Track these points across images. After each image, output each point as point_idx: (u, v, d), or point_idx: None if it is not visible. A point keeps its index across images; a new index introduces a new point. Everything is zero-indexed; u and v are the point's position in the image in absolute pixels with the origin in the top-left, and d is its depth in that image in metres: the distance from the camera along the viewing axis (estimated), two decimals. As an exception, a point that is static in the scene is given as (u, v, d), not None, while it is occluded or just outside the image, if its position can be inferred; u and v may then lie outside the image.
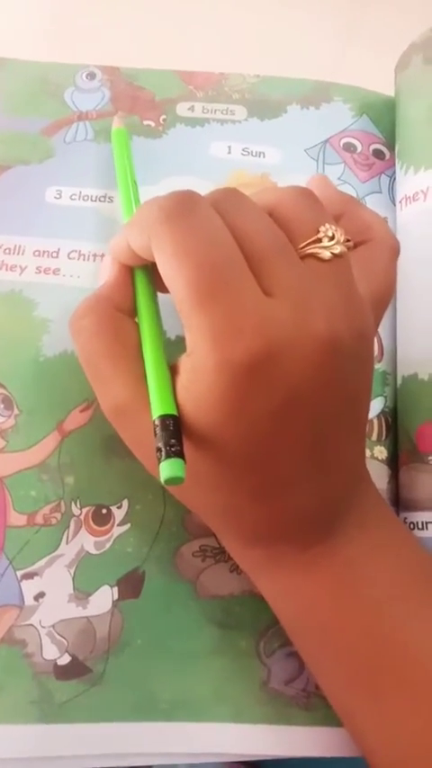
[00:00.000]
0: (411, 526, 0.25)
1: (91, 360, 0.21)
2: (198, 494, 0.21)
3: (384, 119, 0.31)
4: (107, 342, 0.21)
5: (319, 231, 0.20)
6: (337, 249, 0.19)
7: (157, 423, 0.19)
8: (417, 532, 0.25)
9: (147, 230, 0.19)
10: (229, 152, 0.30)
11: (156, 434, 0.18)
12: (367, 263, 0.22)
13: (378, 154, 0.31)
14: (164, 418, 0.19)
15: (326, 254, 0.19)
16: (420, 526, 0.25)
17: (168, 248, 0.18)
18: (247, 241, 0.19)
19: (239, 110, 0.31)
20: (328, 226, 0.20)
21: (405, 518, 0.26)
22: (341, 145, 0.31)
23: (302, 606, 0.21)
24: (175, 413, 0.19)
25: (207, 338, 0.18)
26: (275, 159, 0.30)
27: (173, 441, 0.18)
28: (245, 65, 0.31)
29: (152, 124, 0.30)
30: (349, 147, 0.31)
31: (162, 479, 0.18)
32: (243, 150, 0.30)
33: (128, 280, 0.22)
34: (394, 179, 0.30)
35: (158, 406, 0.19)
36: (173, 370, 0.20)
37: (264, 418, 0.18)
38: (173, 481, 0.18)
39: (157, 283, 0.22)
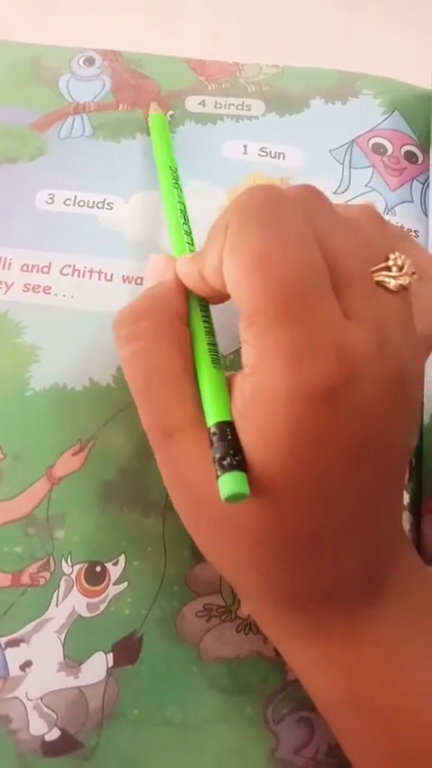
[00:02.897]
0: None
1: (147, 373, 0.19)
2: (237, 547, 0.18)
3: (419, 116, 0.28)
4: (169, 353, 0.19)
5: (389, 258, 0.19)
6: (405, 281, 0.18)
7: (213, 430, 0.17)
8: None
9: (223, 235, 0.17)
10: (245, 152, 0.26)
11: (212, 444, 0.17)
12: (421, 301, 0.20)
13: (410, 156, 0.28)
14: (222, 425, 0.17)
15: (393, 284, 0.18)
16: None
17: (247, 253, 0.17)
18: (334, 257, 0.17)
19: (256, 104, 0.27)
20: (397, 254, 0.19)
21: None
22: (370, 146, 0.27)
23: (345, 680, 0.19)
24: (231, 420, 0.17)
25: (282, 359, 0.16)
26: (297, 161, 0.26)
27: (232, 451, 0.16)
28: (262, 53, 0.28)
29: (158, 119, 0.27)
30: (379, 149, 0.27)
31: (223, 496, 0.16)
32: (261, 150, 0.27)
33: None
34: (428, 186, 0.27)
35: (216, 412, 0.17)
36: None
37: (340, 455, 0.17)
38: (235, 498, 0.16)
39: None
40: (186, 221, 0.23)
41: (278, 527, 0.17)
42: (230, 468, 0.16)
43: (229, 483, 0.16)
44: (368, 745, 0.20)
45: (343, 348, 0.16)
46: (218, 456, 0.17)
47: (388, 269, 0.18)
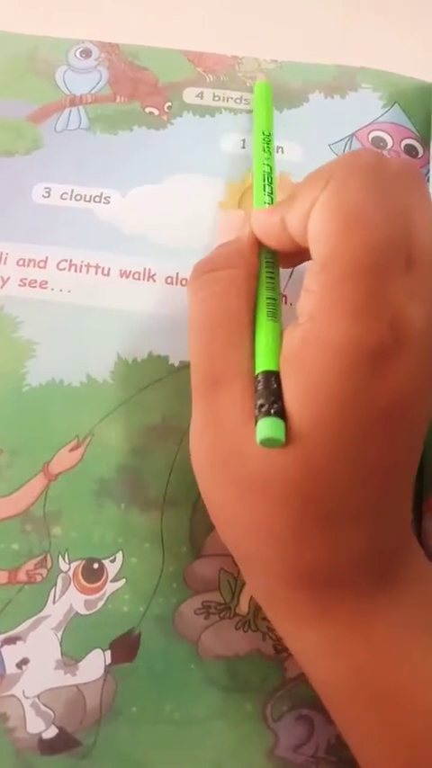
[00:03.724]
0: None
1: (213, 315, 0.19)
2: (260, 508, 0.18)
3: (419, 109, 0.28)
4: (238, 303, 0.19)
5: None
6: None
7: (260, 378, 0.18)
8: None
9: (323, 182, 0.18)
10: (243, 146, 0.26)
11: (257, 390, 0.17)
12: None
13: (410, 150, 0.27)
14: (268, 374, 0.17)
15: None
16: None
17: (346, 205, 0.17)
18: (414, 233, 0.18)
19: (255, 98, 0.27)
20: None
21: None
22: (369, 139, 0.27)
23: (351, 664, 0.19)
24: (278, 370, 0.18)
25: (344, 310, 0.17)
26: (296, 156, 0.26)
27: (273, 398, 0.17)
28: (259, 48, 0.27)
29: (156, 112, 0.26)
30: (379, 143, 0.27)
31: (258, 438, 0.17)
32: (259, 145, 0.26)
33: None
34: (429, 179, 0.27)
35: (264, 361, 0.18)
36: None
37: (375, 419, 0.17)
38: (270, 442, 0.17)
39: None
40: (271, 183, 0.23)
41: (306, 484, 0.17)
42: (269, 414, 0.17)
43: (266, 427, 0.17)
44: (370, 730, 0.19)
45: (399, 318, 0.17)
46: (259, 402, 0.17)
47: None
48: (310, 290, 0.17)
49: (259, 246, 0.21)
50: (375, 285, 0.17)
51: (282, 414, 0.17)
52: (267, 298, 0.19)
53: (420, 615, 0.19)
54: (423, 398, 0.18)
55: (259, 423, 0.17)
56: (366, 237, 0.17)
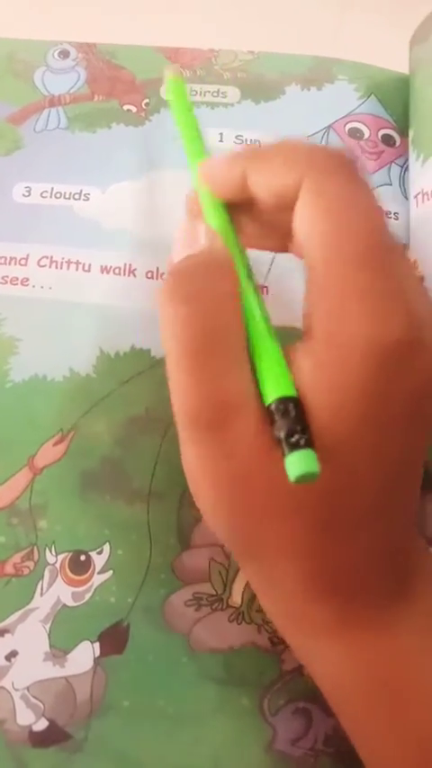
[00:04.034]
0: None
1: (202, 338, 0.16)
2: (285, 529, 0.17)
3: (395, 100, 0.28)
4: (227, 319, 0.17)
5: None
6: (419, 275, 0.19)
7: (276, 406, 0.16)
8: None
9: (296, 174, 0.17)
10: (221, 140, 0.26)
11: (275, 420, 0.15)
12: None
13: (388, 140, 0.28)
14: (285, 401, 0.16)
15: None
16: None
17: (333, 201, 0.17)
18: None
19: (232, 91, 0.27)
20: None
21: None
22: (346, 131, 0.27)
23: (371, 675, 0.18)
24: (295, 395, 0.16)
25: (363, 303, 0.16)
26: (273, 148, 0.26)
27: (298, 428, 0.15)
28: (236, 39, 0.28)
29: (134, 109, 0.27)
30: (356, 134, 0.27)
31: (292, 477, 0.15)
32: (236, 138, 0.26)
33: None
34: (406, 168, 0.27)
35: (276, 387, 0.16)
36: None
37: (399, 417, 0.16)
38: (306, 478, 0.15)
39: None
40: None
41: (335, 498, 0.16)
42: (298, 446, 0.15)
43: (299, 462, 0.15)
44: (390, 739, 0.18)
45: (413, 311, 0.16)
46: (282, 434, 0.15)
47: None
48: (319, 285, 0.17)
49: (233, 259, 0.19)
50: (385, 273, 0.16)
51: (310, 443, 0.15)
52: (261, 317, 0.17)
53: None
54: None
55: (289, 458, 0.15)
56: (363, 225, 0.16)
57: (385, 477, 0.17)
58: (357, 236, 0.16)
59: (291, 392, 0.16)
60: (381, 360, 0.16)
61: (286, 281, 0.23)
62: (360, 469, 0.16)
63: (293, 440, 0.15)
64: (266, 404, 0.16)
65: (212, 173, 0.19)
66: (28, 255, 0.24)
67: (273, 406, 0.16)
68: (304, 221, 0.17)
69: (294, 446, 0.15)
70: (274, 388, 0.16)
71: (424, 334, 0.16)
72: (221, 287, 0.17)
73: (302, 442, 0.15)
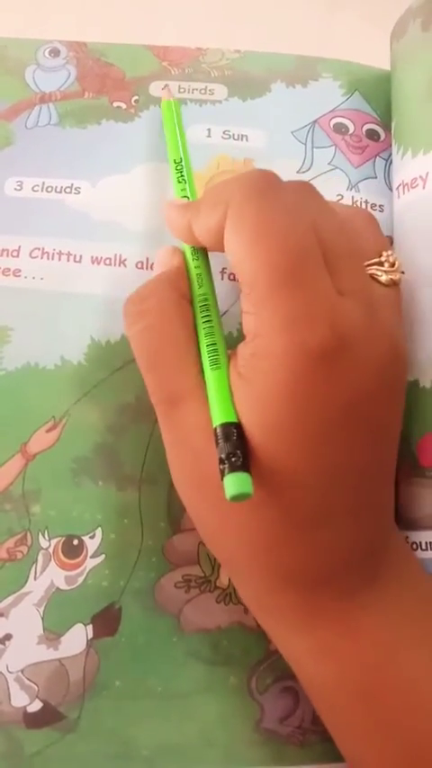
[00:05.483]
0: (414, 546, 0.23)
1: (155, 346, 0.20)
2: (238, 522, 0.18)
3: (378, 95, 0.29)
4: (173, 327, 0.20)
5: (381, 255, 0.20)
6: (396, 276, 0.20)
7: (219, 431, 0.17)
8: (419, 553, 0.23)
9: (223, 207, 0.18)
10: (209, 135, 0.27)
11: (217, 444, 0.17)
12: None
13: (372, 134, 0.28)
14: (227, 426, 0.17)
15: (384, 278, 0.20)
16: (424, 546, 0.23)
17: (249, 227, 0.18)
18: (325, 235, 0.18)
19: (219, 89, 0.28)
20: (390, 252, 0.20)
21: (406, 537, 0.24)
22: (331, 126, 0.28)
23: (341, 666, 0.19)
24: (235, 420, 0.18)
25: (281, 321, 0.17)
26: (260, 143, 0.27)
27: (238, 452, 0.17)
28: (223, 38, 0.28)
29: (123, 106, 0.27)
30: (340, 129, 0.28)
31: (228, 495, 0.17)
32: (224, 133, 0.27)
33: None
34: (391, 161, 0.28)
35: (221, 413, 0.18)
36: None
37: (334, 420, 0.17)
38: (239, 497, 0.17)
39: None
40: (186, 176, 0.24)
41: (279, 494, 0.18)
42: (233, 469, 0.17)
43: (233, 483, 0.17)
44: (363, 730, 0.19)
45: (336, 317, 0.17)
46: (222, 456, 0.17)
47: (380, 264, 0.20)
48: (248, 310, 0.18)
49: (184, 274, 0.21)
50: (303, 289, 0.17)
51: (246, 467, 0.17)
52: (207, 345, 0.19)
53: (405, 609, 0.19)
54: (385, 390, 0.18)
55: (226, 479, 0.17)
56: (279, 246, 0.17)
57: (334, 479, 0.18)
58: (271, 259, 0.17)
59: (231, 418, 0.18)
60: (304, 368, 0.17)
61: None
62: (302, 473, 0.17)
63: (230, 462, 0.17)
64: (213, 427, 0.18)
65: (169, 220, 0.22)
66: (20, 247, 0.25)
67: (217, 431, 0.18)
68: (230, 250, 0.18)
69: (232, 468, 0.17)
70: (217, 416, 0.18)
71: (351, 339, 0.17)
72: (165, 298, 0.20)
73: (238, 463, 0.17)
